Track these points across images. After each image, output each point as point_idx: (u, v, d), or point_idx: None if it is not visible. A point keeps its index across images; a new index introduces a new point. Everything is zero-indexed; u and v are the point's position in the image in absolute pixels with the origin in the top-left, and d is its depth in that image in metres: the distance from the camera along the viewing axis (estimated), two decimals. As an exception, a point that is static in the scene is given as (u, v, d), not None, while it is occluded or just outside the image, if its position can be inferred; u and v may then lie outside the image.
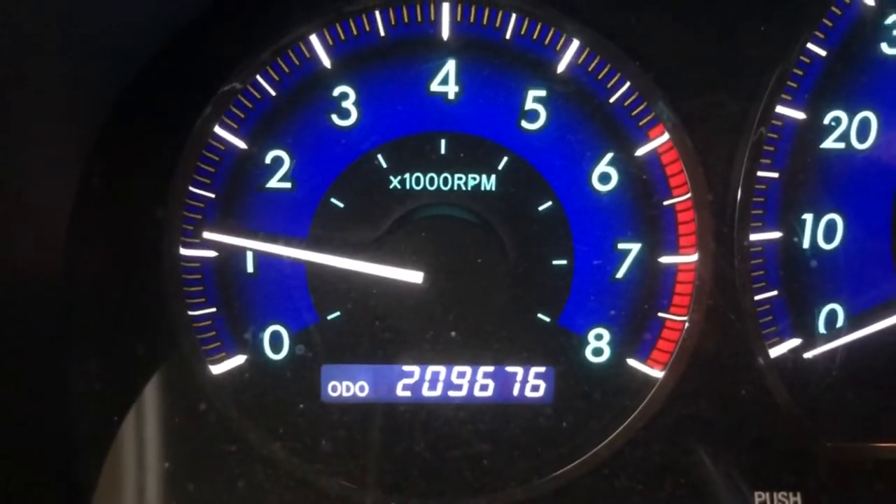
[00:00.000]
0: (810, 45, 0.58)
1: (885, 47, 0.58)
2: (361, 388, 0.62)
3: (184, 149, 0.57)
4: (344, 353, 0.61)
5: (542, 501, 0.63)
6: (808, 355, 0.61)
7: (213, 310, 0.60)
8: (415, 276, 0.59)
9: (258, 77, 0.57)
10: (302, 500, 0.62)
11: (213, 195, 0.59)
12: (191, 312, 0.60)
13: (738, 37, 0.58)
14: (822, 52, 0.58)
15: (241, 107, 0.58)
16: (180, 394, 0.61)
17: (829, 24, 0.58)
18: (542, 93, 0.58)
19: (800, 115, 0.58)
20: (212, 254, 0.59)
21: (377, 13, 0.57)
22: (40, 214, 0.53)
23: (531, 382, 0.62)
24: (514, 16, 0.57)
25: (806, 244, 0.60)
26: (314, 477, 0.61)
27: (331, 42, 0.57)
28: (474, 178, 0.59)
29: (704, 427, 0.62)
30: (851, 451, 0.62)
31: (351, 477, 0.62)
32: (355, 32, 0.57)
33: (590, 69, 0.58)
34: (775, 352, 0.61)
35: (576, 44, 0.58)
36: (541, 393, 0.62)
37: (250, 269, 0.59)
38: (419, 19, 0.57)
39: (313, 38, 0.57)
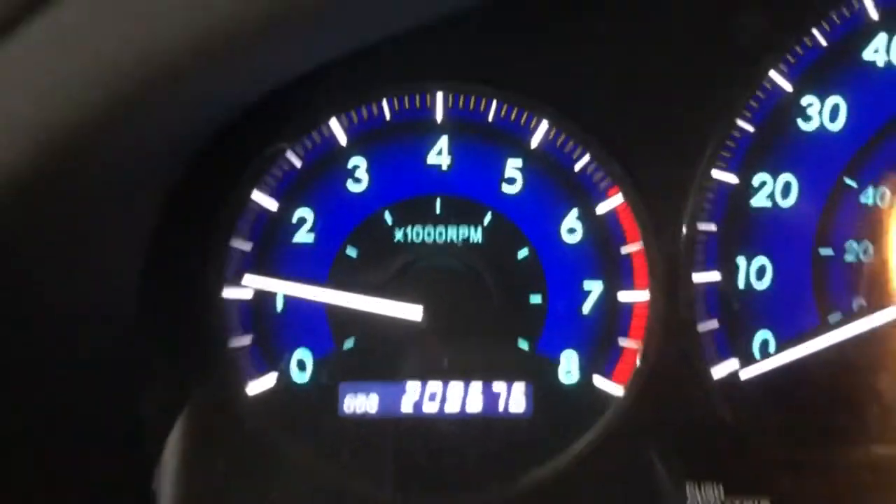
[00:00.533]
0: (740, 122, 0.69)
1: (800, 122, 0.70)
2: (372, 405, 0.74)
3: (227, 211, 0.70)
4: (357, 374, 0.73)
5: (518, 500, 0.74)
6: (744, 376, 0.73)
7: (248, 341, 0.72)
8: (415, 314, 0.70)
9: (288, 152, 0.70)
10: (325, 500, 0.73)
11: (249, 248, 0.71)
12: (231, 344, 0.72)
13: (682, 115, 0.70)
14: (750, 128, 0.69)
15: (273, 176, 0.70)
16: (222, 412, 0.73)
17: (755, 105, 0.69)
18: (519, 162, 0.70)
19: (733, 178, 0.69)
20: (248, 295, 0.70)
21: (384, 101, 0.69)
22: (117, 267, 0.64)
23: (514, 399, 0.73)
24: (494, 102, 0.69)
25: (741, 284, 0.71)
26: (336, 480, 0.73)
27: (346, 124, 0.70)
28: (464, 232, 0.70)
29: (658, 437, 0.73)
30: (780, 453, 0.73)
31: (366, 479, 0.73)
32: (366, 116, 0.70)
33: (558, 143, 0.70)
34: (717, 372, 0.72)
35: (545, 123, 0.69)
36: (522, 409, 0.73)
37: (279, 307, 0.70)
38: (417, 105, 0.70)
39: (333, 122, 0.70)
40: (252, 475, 0.73)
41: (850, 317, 0.69)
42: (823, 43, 0.70)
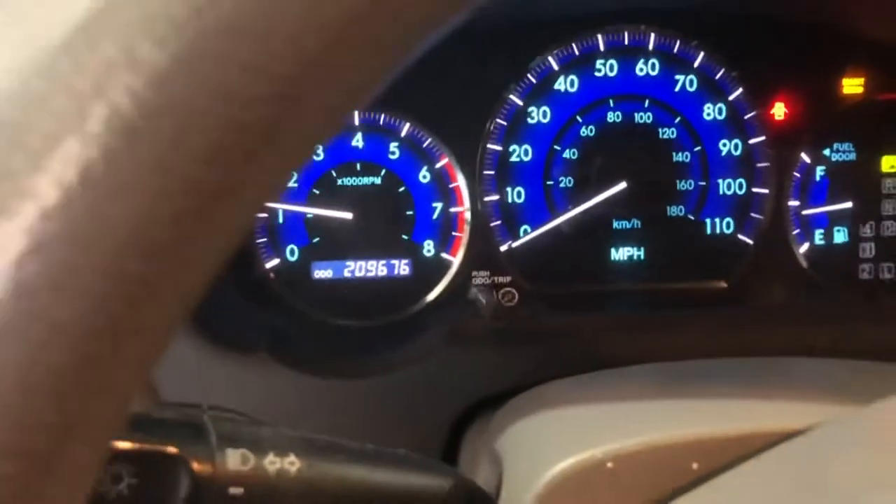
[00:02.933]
0: (499, 118, 1.35)
1: (528, 120, 1.39)
2: (328, 273, 1.32)
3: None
4: (322, 257, 1.30)
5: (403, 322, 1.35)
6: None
7: (264, 239, 1.29)
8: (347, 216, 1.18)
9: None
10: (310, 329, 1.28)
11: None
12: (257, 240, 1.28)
13: (470, 112, 1.30)
14: (504, 122, 1.36)
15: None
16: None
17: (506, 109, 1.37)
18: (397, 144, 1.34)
19: (499, 147, 1.36)
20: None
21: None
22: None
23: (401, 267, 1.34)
24: (383, 115, 1.35)
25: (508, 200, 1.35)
26: (313, 315, 1.26)
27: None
28: (369, 180, 1.32)
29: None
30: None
31: (326, 310, 1.31)
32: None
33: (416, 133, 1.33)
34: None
35: (408, 125, 1.21)
36: (407, 272, 1.34)
37: (281, 219, 1.30)
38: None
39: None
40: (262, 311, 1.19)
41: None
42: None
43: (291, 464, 0.51)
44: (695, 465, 0.60)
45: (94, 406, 0.24)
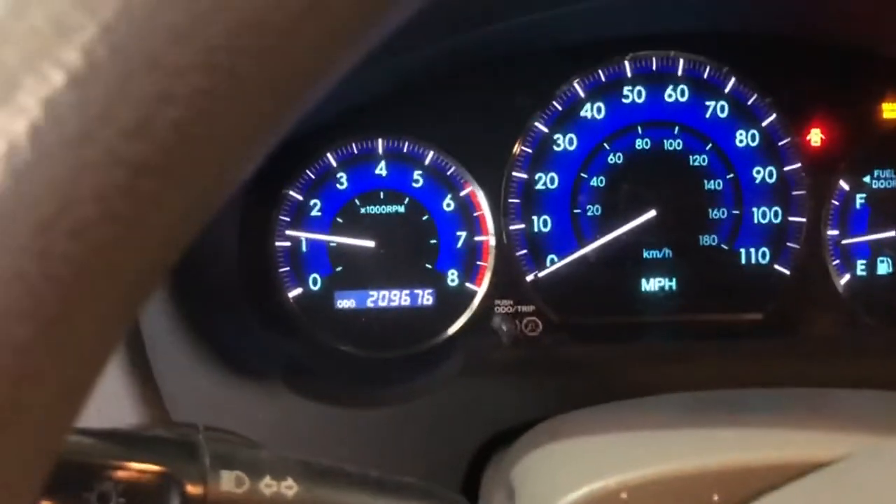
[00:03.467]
0: (524, 146, 1.34)
1: (554, 147, 1.37)
2: (351, 303, 1.30)
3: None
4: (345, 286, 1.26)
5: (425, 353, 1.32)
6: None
7: (288, 268, 1.27)
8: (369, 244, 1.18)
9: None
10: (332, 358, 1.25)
11: (290, 219, 1.29)
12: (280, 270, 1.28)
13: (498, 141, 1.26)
14: (529, 150, 1.35)
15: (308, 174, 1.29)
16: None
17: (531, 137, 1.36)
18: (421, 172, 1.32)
19: (525, 175, 1.32)
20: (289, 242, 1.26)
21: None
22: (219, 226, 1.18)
23: (425, 297, 1.32)
24: (406, 142, 1.34)
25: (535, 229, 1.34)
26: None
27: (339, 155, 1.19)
28: (393, 209, 1.30)
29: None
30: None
31: (348, 342, 1.29)
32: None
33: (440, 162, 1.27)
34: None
35: (431, 153, 1.21)
36: (430, 302, 1.31)
37: (305, 249, 1.25)
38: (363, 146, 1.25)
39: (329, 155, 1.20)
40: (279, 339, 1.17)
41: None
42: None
43: (289, 488, 0.49)
44: (715, 497, 0.56)
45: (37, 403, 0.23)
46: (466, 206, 1.24)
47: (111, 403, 0.85)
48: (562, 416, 0.75)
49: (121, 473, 0.44)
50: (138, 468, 0.45)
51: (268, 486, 0.49)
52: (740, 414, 0.69)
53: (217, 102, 0.24)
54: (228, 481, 0.48)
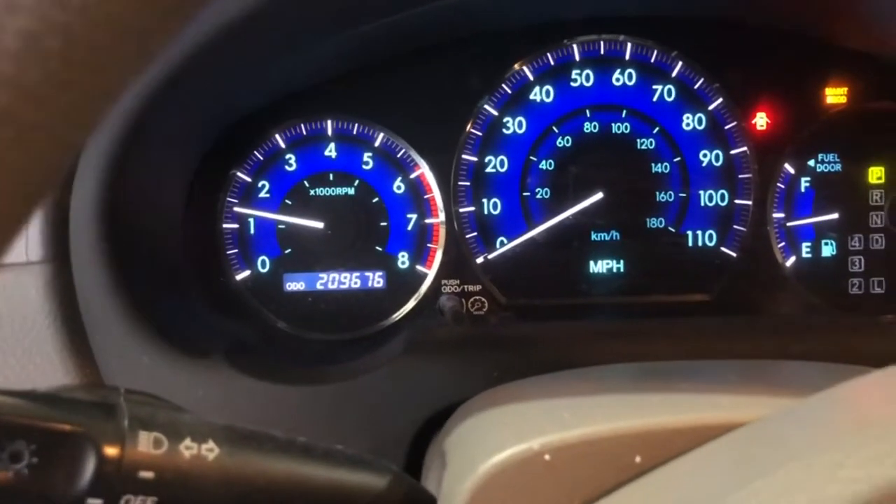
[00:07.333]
0: (474, 127, 1.35)
1: (504, 130, 1.38)
2: (300, 285, 1.30)
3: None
4: (292, 268, 1.24)
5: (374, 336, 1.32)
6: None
7: (235, 250, 1.25)
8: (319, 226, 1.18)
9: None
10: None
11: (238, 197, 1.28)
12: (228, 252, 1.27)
13: (449, 126, 1.27)
14: (479, 133, 1.35)
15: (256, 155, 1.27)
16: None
17: (481, 120, 1.35)
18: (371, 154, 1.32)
19: (474, 157, 1.34)
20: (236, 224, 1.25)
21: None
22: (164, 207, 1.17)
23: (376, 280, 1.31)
24: (356, 124, 1.33)
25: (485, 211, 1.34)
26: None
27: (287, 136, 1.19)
28: (342, 190, 1.31)
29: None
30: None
31: (296, 323, 1.28)
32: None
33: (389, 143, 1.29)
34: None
35: (382, 135, 1.21)
36: (381, 285, 1.31)
37: (252, 230, 1.25)
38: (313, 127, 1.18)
39: (277, 135, 1.21)
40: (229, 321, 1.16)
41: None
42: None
43: (210, 450, 0.49)
44: (637, 459, 0.57)
45: None
46: (417, 189, 1.24)
47: (48, 380, 0.84)
48: (496, 388, 0.76)
49: (33, 432, 0.44)
50: (52, 427, 0.45)
51: (188, 447, 0.49)
52: (670, 382, 0.70)
53: None
54: (146, 442, 0.47)
